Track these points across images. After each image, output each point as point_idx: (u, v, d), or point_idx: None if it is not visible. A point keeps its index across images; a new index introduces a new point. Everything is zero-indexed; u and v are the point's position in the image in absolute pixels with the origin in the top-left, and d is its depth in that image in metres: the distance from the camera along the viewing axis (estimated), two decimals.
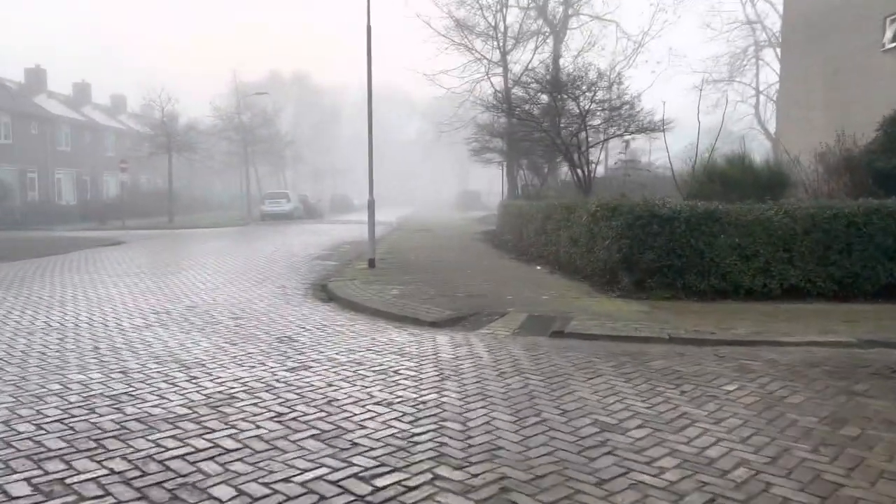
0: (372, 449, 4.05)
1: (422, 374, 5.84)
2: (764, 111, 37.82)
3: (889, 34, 16.10)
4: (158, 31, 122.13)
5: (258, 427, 4.44)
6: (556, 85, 15.15)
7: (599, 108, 15.70)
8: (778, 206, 9.32)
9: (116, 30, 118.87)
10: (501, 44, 28.27)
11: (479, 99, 25.24)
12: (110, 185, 51.36)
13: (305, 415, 4.70)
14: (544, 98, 16.85)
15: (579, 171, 16.17)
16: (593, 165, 16.80)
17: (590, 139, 16.29)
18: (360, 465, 3.81)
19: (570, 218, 11.93)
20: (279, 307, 9.68)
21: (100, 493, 3.45)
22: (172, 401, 5.05)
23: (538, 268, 13.46)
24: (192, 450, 4.03)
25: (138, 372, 5.90)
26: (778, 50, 36.08)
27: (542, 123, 16.57)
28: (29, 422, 4.54)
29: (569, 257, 11.94)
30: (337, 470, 3.75)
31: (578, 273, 11.39)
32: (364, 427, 4.44)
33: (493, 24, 28.32)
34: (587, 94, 15.05)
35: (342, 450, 4.04)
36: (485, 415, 4.70)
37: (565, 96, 15.67)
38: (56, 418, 4.61)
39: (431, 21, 28.36)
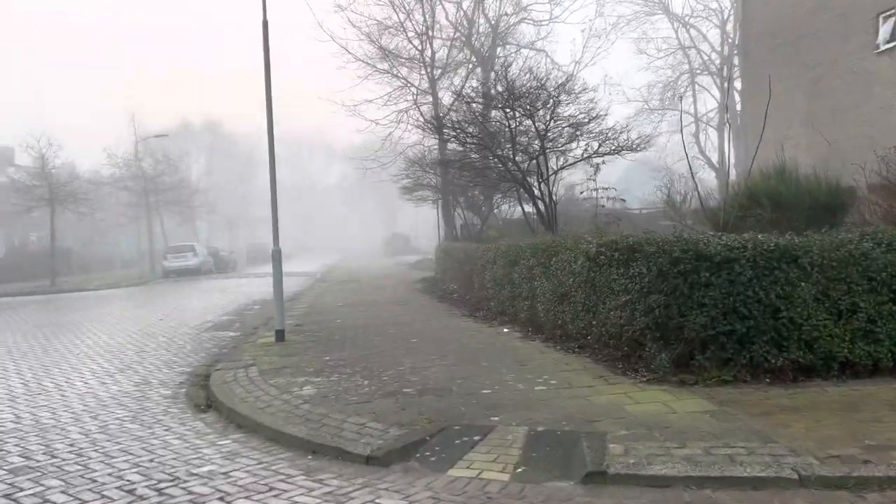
0: None
1: None
2: (704, 139, 36.38)
3: (884, 33, 13.92)
4: (55, 76, 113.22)
5: None
6: (510, 97, 12.06)
7: (561, 126, 12.71)
8: (873, 235, 6.36)
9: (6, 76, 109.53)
10: (429, 70, 25.35)
11: (414, 120, 22.04)
12: None
13: None
14: (491, 116, 13.80)
15: (540, 203, 13.09)
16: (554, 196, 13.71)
17: (549, 164, 13.29)
18: None
19: (552, 263, 8.69)
20: (119, 430, 5.94)
21: None
22: None
23: (505, 330, 10.12)
24: None
25: None
26: (715, 78, 34.85)
27: (492, 147, 13.43)
28: None
29: (553, 318, 8.66)
30: None
31: (571, 340, 8.11)
32: None
33: (419, 48, 25.41)
34: (548, 106, 12.03)
35: None
36: None
37: (519, 113, 12.62)
38: None
39: (349, 45, 25.02)
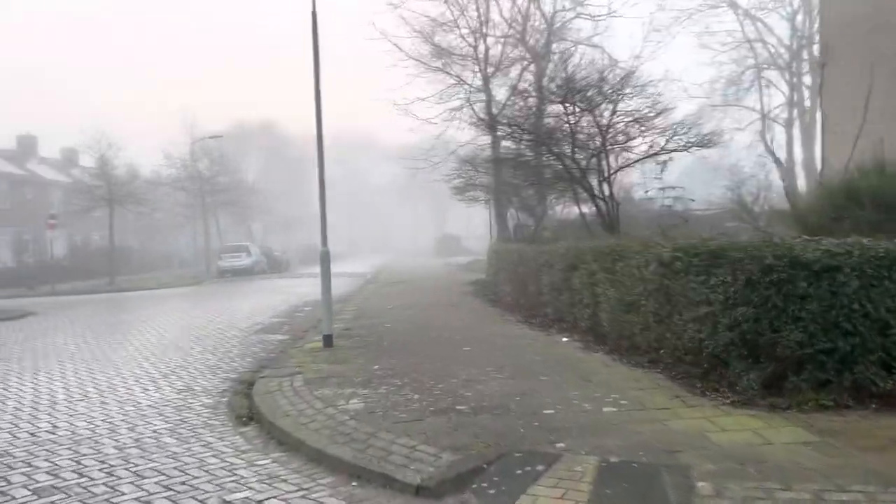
0: None
1: None
2: (771, 137, 34.64)
3: None
4: (113, 81, 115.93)
5: None
6: (569, 90, 11.39)
7: (624, 121, 11.96)
8: None
9: (67, 82, 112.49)
10: (483, 67, 24.77)
11: (467, 118, 21.52)
12: (57, 244, 46.80)
13: None
14: (547, 111, 13.14)
15: (600, 203, 12.36)
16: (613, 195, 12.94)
17: (611, 161, 12.56)
18: None
19: (617, 268, 8.01)
20: (155, 445, 5.57)
21: None
22: None
23: (563, 339, 9.47)
24: None
25: None
26: (783, 72, 33.24)
27: (549, 144, 12.77)
28: None
29: (619, 328, 7.99)
30: None
31: (640, 353, 7.42)
32: None
33: (473, 45, 24.87)
34: (610, 100, 11.31)
35: None
36: None
37: (579, 107, 11.93)
38: None
39: (401, 42, 24.63)
